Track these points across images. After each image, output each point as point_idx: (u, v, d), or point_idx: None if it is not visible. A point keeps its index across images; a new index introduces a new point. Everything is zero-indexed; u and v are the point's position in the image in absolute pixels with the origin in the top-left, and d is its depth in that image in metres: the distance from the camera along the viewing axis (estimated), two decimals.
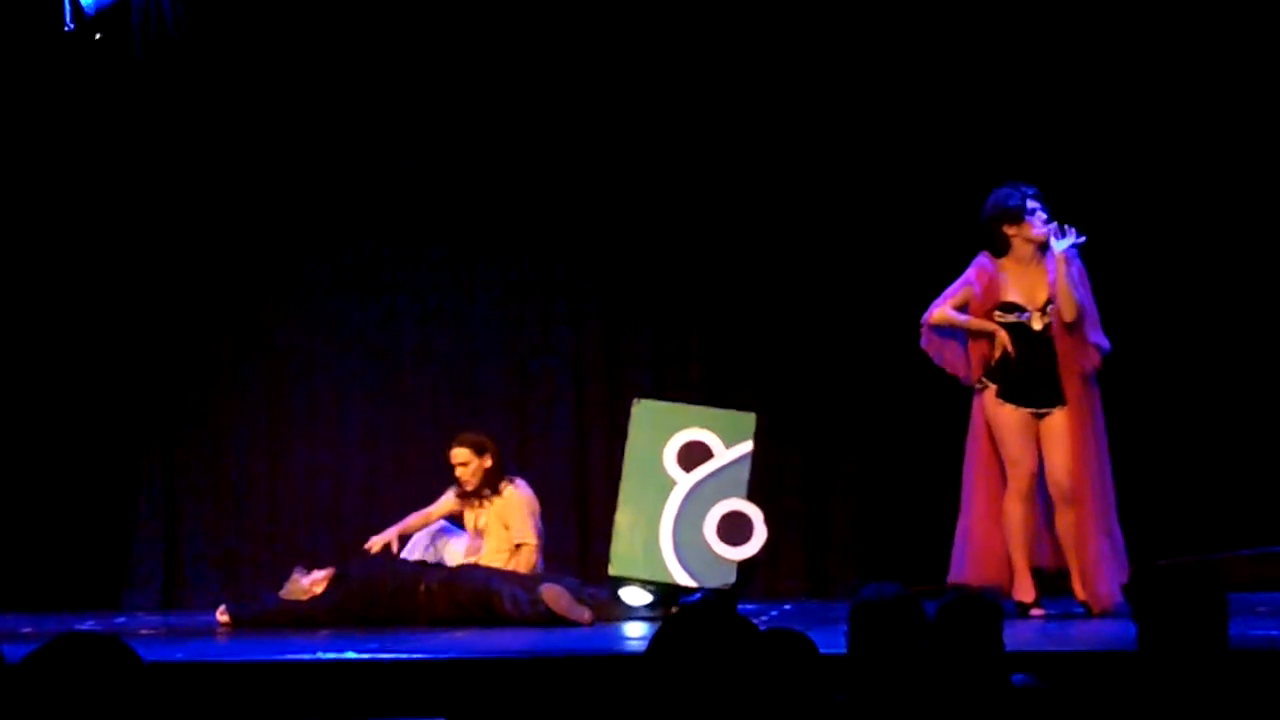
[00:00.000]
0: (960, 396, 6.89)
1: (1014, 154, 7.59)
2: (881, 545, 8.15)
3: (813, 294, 8.29)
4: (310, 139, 8.39)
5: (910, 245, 8.00)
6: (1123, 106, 8.08)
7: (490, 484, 7.42)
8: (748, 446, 7.17)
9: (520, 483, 7.50)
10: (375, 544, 7.41)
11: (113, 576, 8.30)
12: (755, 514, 7.12)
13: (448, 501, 7.56)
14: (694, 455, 7.18)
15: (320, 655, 5.77)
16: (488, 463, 7.43)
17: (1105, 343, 6.66)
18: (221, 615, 7.25)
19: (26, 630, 6.73)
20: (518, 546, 7.39)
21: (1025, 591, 6.65)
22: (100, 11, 7.72)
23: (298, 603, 7.18)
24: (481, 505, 7.46)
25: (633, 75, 8.33)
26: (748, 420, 7.22)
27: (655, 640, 2.59)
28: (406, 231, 8.45)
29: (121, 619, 7.71)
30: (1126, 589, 6.07)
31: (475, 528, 7.49)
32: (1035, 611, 6.62)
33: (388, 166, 8.41)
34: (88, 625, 7.16)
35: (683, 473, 7.18)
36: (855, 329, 8.19)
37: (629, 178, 8.36)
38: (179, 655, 5.97)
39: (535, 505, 7.49)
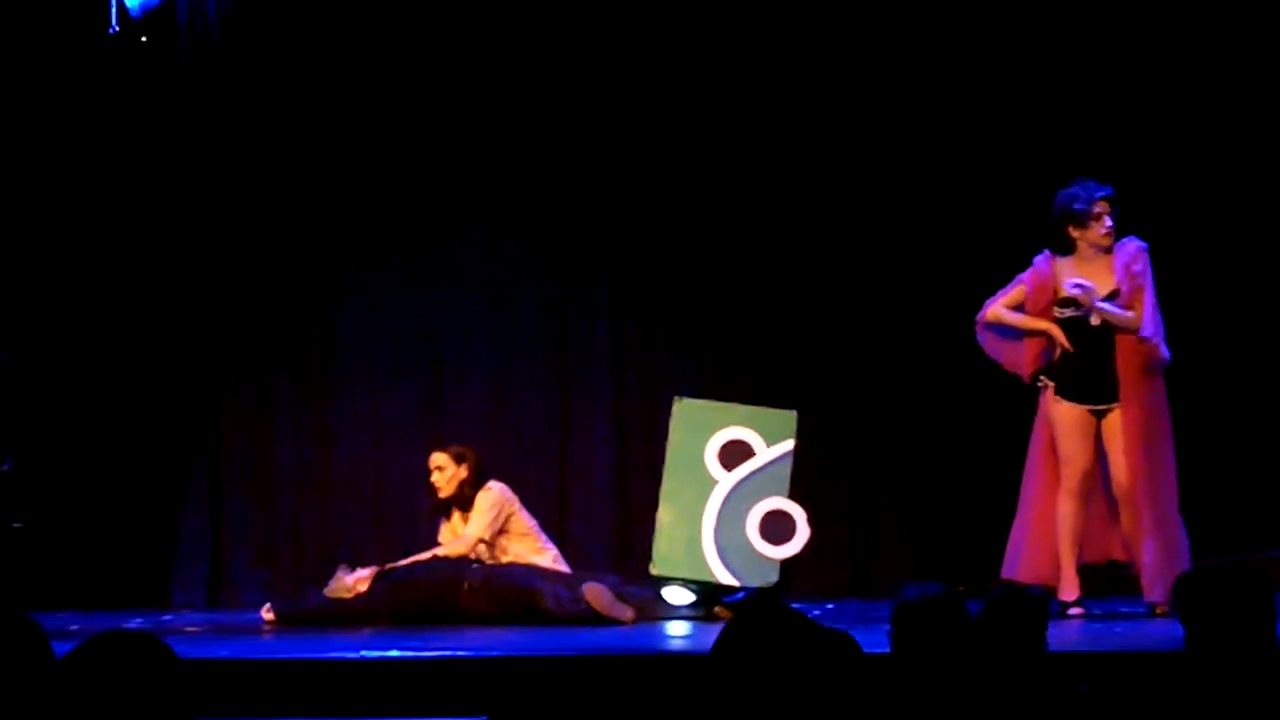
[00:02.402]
0: (1006, 393, 6.86)
1: (1064, 152, 7.53)
2: (925, 544, 8.11)
3: (854, 290, 8.25)
4: (359, 144, 8.39)
5: (955, 241, 7.97)
6: (1188, 99, 7.91)
7: (465, 496, 7.32)
8: (789, 445, 7.16)
9: (493, 484, 7.41)
10: None
11: (160, 575, 8.34)
12: (798, 513, 7.11)
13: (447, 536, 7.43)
14: (735, 454, 7.17)
15: (364, 653, 5.79)
16: (464, 473, 7.37)
17: (1165, 352, 6.57)
18: (267, 613, 7.29)
19: (75, 628, 6.77)
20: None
21: (1069, 590, 6.62)
22: (146, 14, 7.77)
23: (342, 601, 7.21)
24: (462, 519, 7.37)
25: (665, 85, 8.29)
26: (789, 418, 7.21)
27: (722, 639, 2.59)
28: (452, 234, 8.45)
29: (168, 617, 7.75)
30: (1174, 590, 6.03)
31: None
32: (1074, 610, 6.59)
33: (440, 169, 8.41)
34: (135, 623, 7.20)
35: (724, 471, 7.16)
36: (897, 325, 8.15)
37: (671, 178, 8.34)
38: (224, 653, 6.01)
39: (501, 503, 7.33)
